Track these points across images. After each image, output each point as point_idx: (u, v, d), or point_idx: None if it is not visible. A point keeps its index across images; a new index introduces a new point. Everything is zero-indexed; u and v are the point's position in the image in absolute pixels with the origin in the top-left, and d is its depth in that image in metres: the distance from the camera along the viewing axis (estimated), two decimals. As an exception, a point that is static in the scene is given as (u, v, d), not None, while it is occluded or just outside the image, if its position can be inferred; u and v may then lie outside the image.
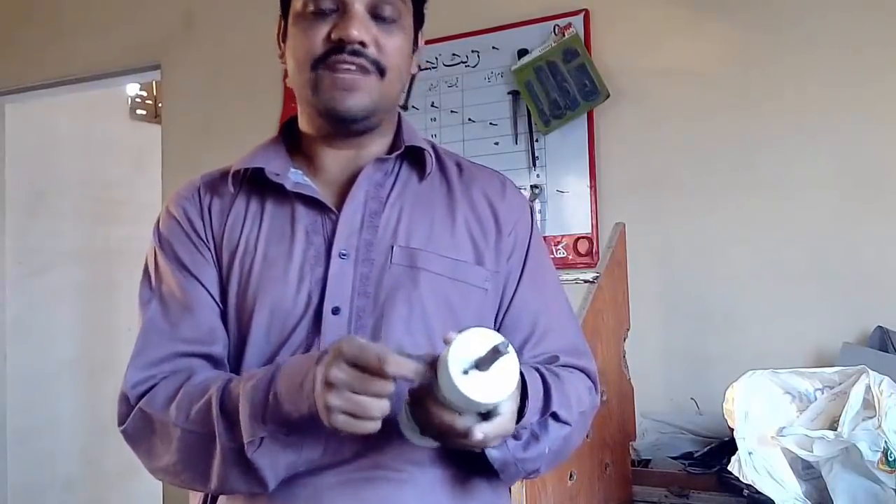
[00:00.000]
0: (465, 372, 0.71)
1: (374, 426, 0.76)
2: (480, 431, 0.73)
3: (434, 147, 1.03)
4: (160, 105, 3.46)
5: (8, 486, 3.46)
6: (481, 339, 0.72)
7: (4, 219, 3.49)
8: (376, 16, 0.92)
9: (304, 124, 1.00)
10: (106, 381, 3.70)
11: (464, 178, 1.02)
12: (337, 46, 0.90)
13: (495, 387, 0.72)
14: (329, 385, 0.75)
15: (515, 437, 0.87)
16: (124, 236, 3.92)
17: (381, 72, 0.92)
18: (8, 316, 3.50)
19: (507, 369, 0.73)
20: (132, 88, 3.98)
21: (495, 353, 0.70)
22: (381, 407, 0.75)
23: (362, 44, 0.90)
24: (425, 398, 0.77)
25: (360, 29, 0.90)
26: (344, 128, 0.95)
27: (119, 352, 3.78)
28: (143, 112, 4.08)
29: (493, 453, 0.86)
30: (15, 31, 3.38)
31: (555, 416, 0.90)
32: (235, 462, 0.83)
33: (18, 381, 3.50)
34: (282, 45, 0.99)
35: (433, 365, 0.74)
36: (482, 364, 0.71)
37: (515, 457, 0.88)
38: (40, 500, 3.57)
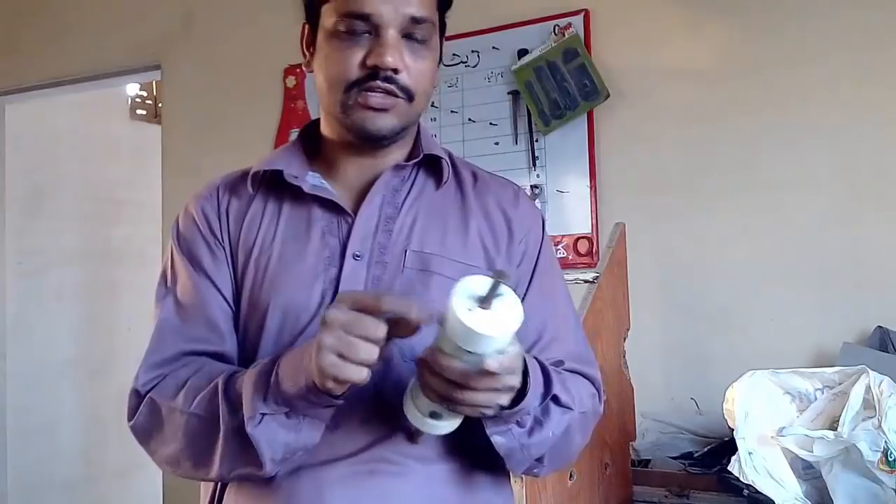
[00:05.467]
0: (470, 310, 0.73)
1: (361, 374, 0.77)
2: (495, 361, 0.74)
3: (451, 156, 1.06)
4: (160, 105, 3.46)
5: (8, 486, 3.46)
6: (481, 281, 0.75)
7: (4, 219, 3.49)
8: (408, 37, 0.93)
9: (326, 130, 1.02)
10: (106, 381, 3.71)
11: (478, 187, 1.04)
12: (371, 73, 0.92)
13: (500, 321, 0.74)
14: (324, 324, 0.77)
15: (519, 423, 0.88)
16: (124, 236, 3.92)
17: (411, 97, 0.94)
18: (8, 316, 3.50)
19: (510, 305, 0.75)
20: (132, 88, 3.98)
21: (496, 286, 0.73)
22: (368, 350, 0.76)
23: (395, 70, 0.92)
24: (432, 358, 0.77)
25: (395, 56, 0.91)
26: (371, 144, 0.98)
27: (119, 352, 3.82)
28: (143, 112, 4.08)
29: (498, 440, 0.87)
30: (15, 31, 3.38)
31: (556, 400, 0.90)
32: (235, 441, 0.84)
33: (18, 381, 3.50)
34: (307, 52, 1.01)
35: (437, 318, 0.76)
36: (485, 300, 0.74)
37: (521, 443, 0.89)
38: (40, 500, 3.57)
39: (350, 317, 0.76)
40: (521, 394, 0.84)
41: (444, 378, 0.77)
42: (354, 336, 0.76)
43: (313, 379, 0.79)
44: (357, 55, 0.92)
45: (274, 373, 0.83)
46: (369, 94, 0.92)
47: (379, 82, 0.91)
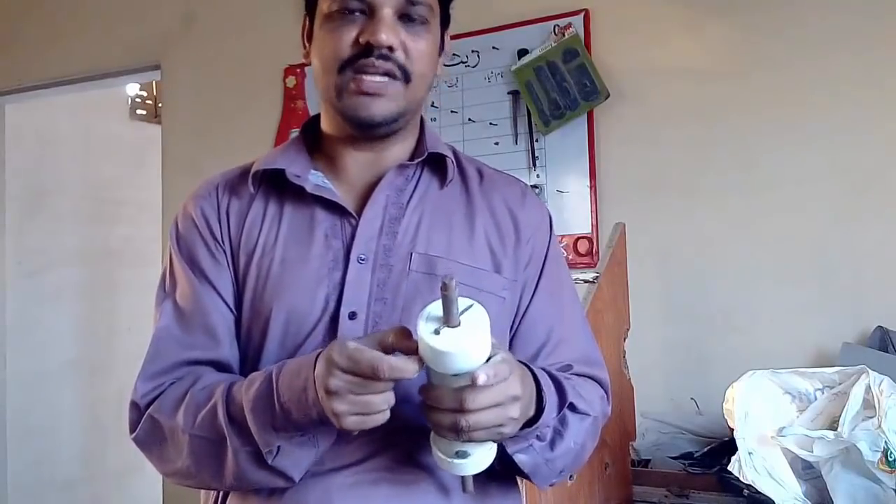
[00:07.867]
0: (437, 333, 0.73)
1: (385, 417, 0.77)
2: (483, 374, 0.73)
3: (455, 153, 1.03)
4: (160, 105, 3.46)
5: (8, 486, 3.46)
6: (439, 303, 0.74)
7: (4, 219, 3.49)
8: (404, 19, 0.91)
9: (326, 125, 0.99)
10: (106, 381, 3.71)
11: (484, 185, 1.02)
12: (365, 50, 0.89)
13: (469, 334, 0.73)
14: (330, 394, 0.76)
15: (539, 437, 0.87)
16: (124, 236, 3.92)
17: (407, 78, 0.91)
18: (8, 316, 3.50)
19: (476, 316, 0.74)
20: (132, 88, 3.98)
21: (447, 300, 0.71)
22: (386, 399, 0.77)
23: (390, 48, 0.89)
24: (426, 394, 0.77)
25: (389, 33, 0.88)
26: (367, 132, 0.95)
27: (119, 352, 3.82)
28: (143, 112, 4.08)
29: (521, 458, 0.87)
30: (15, 31, 3.38)
31: (573, 408, 0.90)
32: (256, 465, 0.84)
33: (18, 381, 3.50)
34: (306, 44, 0.99)
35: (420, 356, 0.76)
36: (449, 319, 0.73)
37: (545, 458, 0.88)
38: (40, 500, 3.57)
39: (351, 382, 0.76)
40: (538, 408, 0.83)
41: (444, 409, 0.76)
42: (367, 395, 0.76)
43: (328, 417, 0.78)
44: (350, 33, 0.90)
45: (276, 401, 0.82)
46: (364, 76, 0.89)
47: (373, 59, 0.89)
